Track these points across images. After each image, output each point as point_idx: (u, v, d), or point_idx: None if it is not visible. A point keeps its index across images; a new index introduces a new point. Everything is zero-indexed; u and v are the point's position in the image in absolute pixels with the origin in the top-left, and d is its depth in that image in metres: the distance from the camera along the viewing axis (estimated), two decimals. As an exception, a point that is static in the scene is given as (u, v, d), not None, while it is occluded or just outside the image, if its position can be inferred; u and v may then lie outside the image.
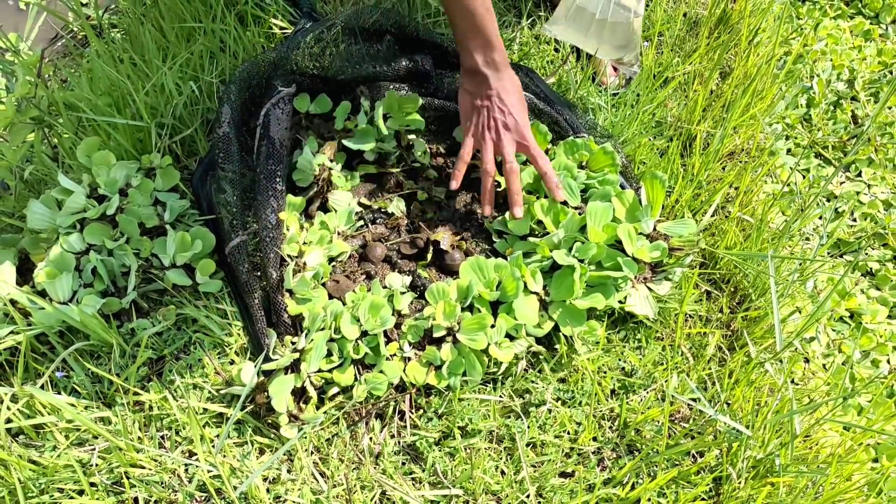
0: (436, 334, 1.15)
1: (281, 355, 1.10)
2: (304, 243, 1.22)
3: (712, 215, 1.41)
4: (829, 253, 1.59)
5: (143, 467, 1.03)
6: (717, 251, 1.31)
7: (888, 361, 1.44)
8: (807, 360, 1.39)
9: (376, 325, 1.13)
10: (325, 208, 1.30)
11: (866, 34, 1.97)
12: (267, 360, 1.10)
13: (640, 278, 1.27)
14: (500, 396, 1.16)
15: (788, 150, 1.74)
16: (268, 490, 1.04)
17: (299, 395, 1.10)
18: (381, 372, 1.12)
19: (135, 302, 1.18)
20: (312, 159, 1.28)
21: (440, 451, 1.10)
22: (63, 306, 1.11)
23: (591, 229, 1.23)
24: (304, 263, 1.19)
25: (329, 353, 1.12)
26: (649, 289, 1.26)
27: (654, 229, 1.32)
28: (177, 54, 1.44)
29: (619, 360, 1.22)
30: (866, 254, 1.58)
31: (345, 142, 1.33)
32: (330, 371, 1.11)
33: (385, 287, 1.22)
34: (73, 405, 1.07)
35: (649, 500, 1.07)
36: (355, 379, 1.12)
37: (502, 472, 1.09)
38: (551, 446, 1.11)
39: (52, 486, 1.01)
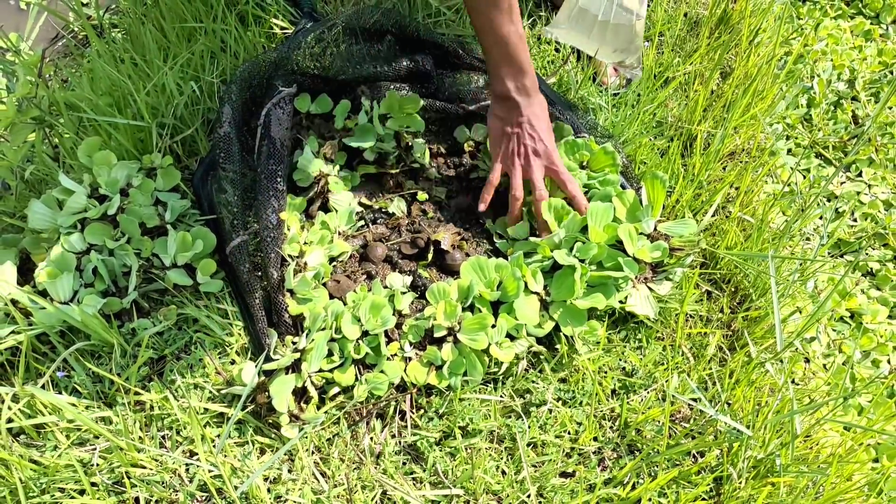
0: (437, 334, 1.15)
1: (282, 355, 1.10)
2: (305, 243, 1.22)
3: (713, 215, 1.41)
4: (829, 253, 1.59)
5: (144, 467, 1.04)
6: (717, 251, 1.31)
7: (888, 361, 1.44)
8: (807, 361, 1.39)
9: (377, 325, 1.13)
10: (325, 208, 1.31)
11: (867, 34, 1.97)
12: (268, 359, 1.10)
13: (640, 278, 1.27)
14: (501, 396, 1.16)
15: (789, 150, 1.74)
16: (269, 490, 1.04)
17: (300, 394, 1.10)
18: (381, 372, 1.12)
19: (136, 302, 1.19)
20: (311, 165, 1.28)
21: (441, 450, 1.10)
22: (64, 306, 1.11)
23: (591, 229, 1.23)
24: (305, 263, 1.19)
25: (330, 353, 1.12)
26: (650, 289, 1.26)
27: (655, 229, 1.32)
28: (178, 54, 1.44)
29: (620, 360, 1.22)
30: (867, 254, 1.58)
31: (345, 140, 1.34)
32: (331, 371, 1.11)
33: (386, 287, 1.22)
34: (73, 405, 1.07)
35: (650, 500, 1.07)
36: (356, 379, 1.12)
37: (503, 472, 1.09)
38: (552, 446, 1.11)
39: (54, 486, 1.01)
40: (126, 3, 1.56)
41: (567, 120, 1.39)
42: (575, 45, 1.57)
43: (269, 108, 1.29)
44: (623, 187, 1.35)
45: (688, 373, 1.21)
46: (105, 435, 1.01)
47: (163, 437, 1.08)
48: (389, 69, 1.38)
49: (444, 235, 1.26)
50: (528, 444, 1.12)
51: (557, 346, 1.19)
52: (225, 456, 1.05)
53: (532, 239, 1.27)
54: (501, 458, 1.10)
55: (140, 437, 1.07)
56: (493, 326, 1.15)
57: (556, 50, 1.63)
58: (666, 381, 1.18)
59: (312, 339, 1.11)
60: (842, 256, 1.59)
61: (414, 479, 1.08)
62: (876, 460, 1.25)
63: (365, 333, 1.14)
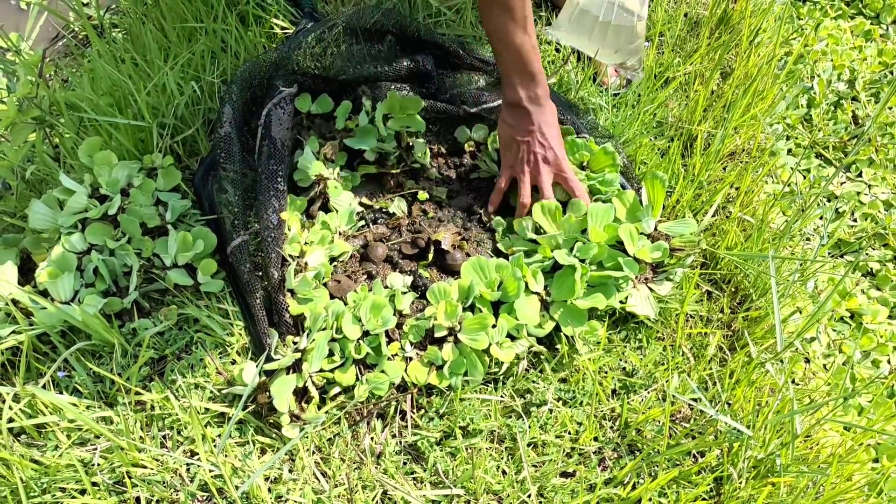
0: (437, 334, 1.15)
1: (283, 355, 1.10)
2: (306, 243, 1.22)
3: (713, 216, 1.41)
4: (829, 253, 1.59)
5: (145, 467, 1.04)
6: (717, 251, 1.31)
7: (889, 362, 1.44)
8: (807, 361, 1.39)
9: (378, 325, 1.13)
10: (326, 208, 1.31)
11: (867, 34, 1.97)
12: (269, 359, 1.10)
13: (641, 279, 1.27)
14: (502, 396, 1.16)
15: (789, 151, 1.74)
16: (269, 490, 1.04)
17: (301, 394, 1.10)
18: (382, 372, 1.12)
19: (136, 302, 1.19)
20: (310, 168, 1.28)
21: (441, 450, 1.10)
22: (65, 306, 1.11)
23: (591, 229, 1.24)
24: (306, 263, 1.19)
25: (331, 353, 1.13)
26: (650, 289, 1.26)
27: (656, 229, 1.32)
28: (178, 54, 1.44)
29: (620, 360, 1.22)
30: (867, 254, 1.58)
31: (346, 141, 1.34)
32: (331, 371, 1.11)
33: (386, 287, 1.22)
34: (74, 405, 1.07)
35: (650, 500, 1.07)
36: (357, 379, 1.12)
37: (503, 472, 1.09)
38: (552, 446, 1.11)
39: (55, 486, 1.01)
40: (126, 3, 1.56)
41: (567, 121, 1.40)
42: (576, 47, 1.58)
43: (269, 109, 1.29)
44: (623, 187, 1.35)
45: (688, 373, 1.21)
46: (106, 435, 1.01)
47: (164, 436, 1.08)
48: (390, 69, 1.38)
49: (444, 235, 1.26)
50: (529, 444, 1.12)
51: (558, 346, 1.19)
52: (226, 456, 1.05)
53: (532, 234, 1.27)
54: (502, 458, 1.10)
55: (141, 437, 1.07)
56: (494, 326, 1.15)
57: (557, 50, 1.63)
58: (666, 381, 1.18)
59: (313, 339, 1.11)
60: (842, 257, 1.59)
61: (414, 478, 1.08)
62: (876, 460, 1.25)
63: (366, 333, 1.14)
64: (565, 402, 1.16)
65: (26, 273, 1.22)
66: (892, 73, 1.87)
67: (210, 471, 1.03)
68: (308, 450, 1.08)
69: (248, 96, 1.34)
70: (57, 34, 1.87)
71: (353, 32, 1.42)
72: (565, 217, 1.26)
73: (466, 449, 1.10)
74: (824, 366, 1.40)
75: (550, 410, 1.15)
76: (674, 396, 1.16)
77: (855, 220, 1.65)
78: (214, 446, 1.04)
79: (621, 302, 1.22)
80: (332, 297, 1.19)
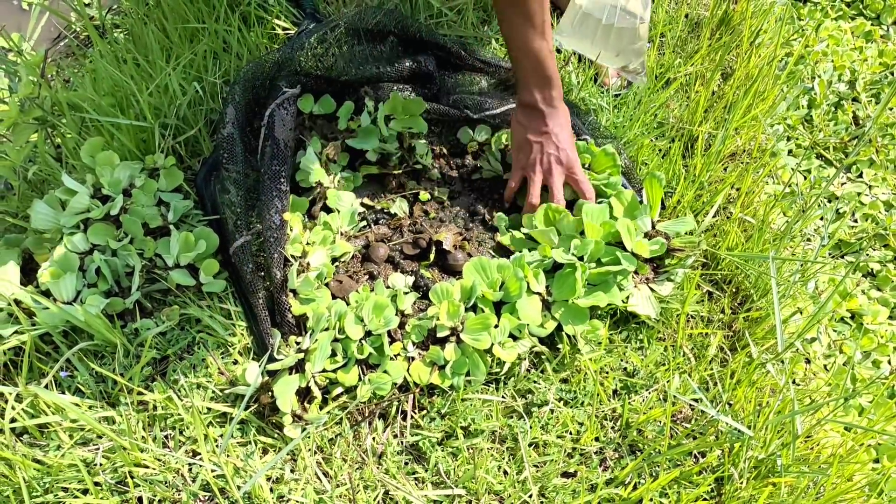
0: (439, 334, 1.15)
1: (285, 355, 1.10)
2: (308, 243, 1.22)
3: (714, 216, 1.41)
4: (830, 254, 1.59)
5: (147, 467, 1.04)
6: (718, 252, 1.31)
7: (889, 362, 1.44)
8: (808, 361, 1.40)
9: (380, 325, 1.13)
10: (328, 209, 1.31)
11: (867, 35, 1.98)
12: (271, 360, 1.10)
13: (642, 279, 1.27)
14: (503, 396, 1.16)
15: (790, 151, 1.74)
16: (271, 490, 1.05)
17: (303, 395, 1.11)
18: (384, 372, 1.12)
19: (138, 302, 1.19)
20: (311, 174, 1.28)
21: (443, 450, 1.10)
22: (67, 306, 1.11)
23: (587, 225, 1.24)
24: (308, 264, 1.19)
25: (333, 353, 1.13)
26: (651, 289, 1.26)
27: (653, 227, 1.33)
28: (180, 55, 1.44)
29: (622, 360, 1.22)
30: (867, 255, 1.59)
31: (348, 141, 1.34)
32: (334, 371, 1.11)
33: (388, 287, 1.22)
34: (77, 405, 1.07)
35: (651, 500, 1.07)
36: (359, 379, 1.12)
37: (505, 472, 1.10)
38: (554, 446, 1.12)
39: (57, 486, 1.02)
40: (128, 4, 1.56)
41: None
42: (579, 51, 1.58)
43: (273, 109, 1.29)
44: (624, 187, 1.35)
45: (689, 373, 1.21)
46: (108, 435, 1.01)
47: (166, 436, 1.08)
48: (392, 70, 1.38)
49: (446, 236, 1.27)
50: (530, 445, 1.12)
51: (559, 346, 1.19)
52: (228, 456, 1.06)
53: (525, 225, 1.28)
54: (503, 459, 1.11)
55: (143, 437, 1.07)
56: (496, 326, 1.15)
57: (558, 51, 1.63)
58: (667, 382, 1.19)
59: (316, 340, 1.11)
60: (842, 257, 1.59)
61: (416, 479, 1.09)
62: (876, 461, 1.25)
63: (368, 333, 1.15)
64: (567, 403, 1.16)
65: (29, 273, 1.22)
66: (892, 73, 1.87)
67: (212, 471, 1.03)
68: (310, 450, 1.09)
69: (251, 97, 1.34)
70: (59, 34, 1.87)
71: (355, 33, 1.42)
72: (562, 216, 1.27)
73: (468, 449, 1.10)
74: (825, 366, 1.40)
75: (552, 410, 1.15)
76: (675, 397, 1.16)
77: (855, 221, 1.65)
78: (216, 446, 1.05)
79: (623, 301, 1.22)
80: (334, 297, 1.19)
